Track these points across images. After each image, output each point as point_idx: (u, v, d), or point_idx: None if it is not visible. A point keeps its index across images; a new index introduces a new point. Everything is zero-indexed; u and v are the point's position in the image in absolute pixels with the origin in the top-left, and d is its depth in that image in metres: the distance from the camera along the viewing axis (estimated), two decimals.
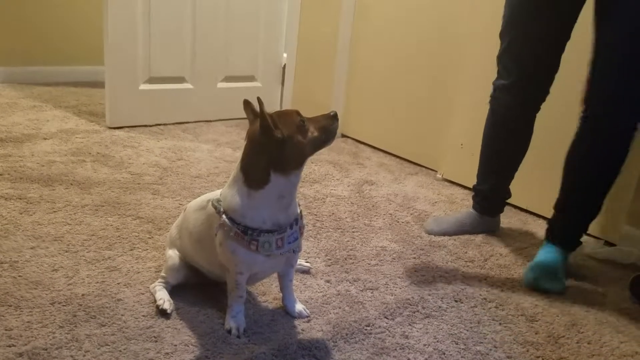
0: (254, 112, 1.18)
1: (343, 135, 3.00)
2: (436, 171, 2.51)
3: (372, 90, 2.83)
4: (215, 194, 1.24)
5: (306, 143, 1.14)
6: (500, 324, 1.38)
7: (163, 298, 1.29)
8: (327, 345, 1.22)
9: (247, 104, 1.19)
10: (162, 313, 1.26)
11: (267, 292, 1.40)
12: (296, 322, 1.28)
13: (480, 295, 1.50)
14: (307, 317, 1.32)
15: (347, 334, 1.26)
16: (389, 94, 2.73)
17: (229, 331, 1.23)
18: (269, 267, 1.26)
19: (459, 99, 2.38)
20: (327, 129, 1.17)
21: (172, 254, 1.36)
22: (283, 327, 1.26)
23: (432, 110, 2.51)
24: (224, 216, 1.16)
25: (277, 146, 1.11)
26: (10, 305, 1.23)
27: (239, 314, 1.25)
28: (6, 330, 1.15)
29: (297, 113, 1.16)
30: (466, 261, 1.69)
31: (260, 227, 1.15)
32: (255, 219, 1.15)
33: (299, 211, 1.22)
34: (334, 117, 1.19)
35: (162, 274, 1.37)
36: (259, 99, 1.12)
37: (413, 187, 2.31)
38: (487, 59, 2.24)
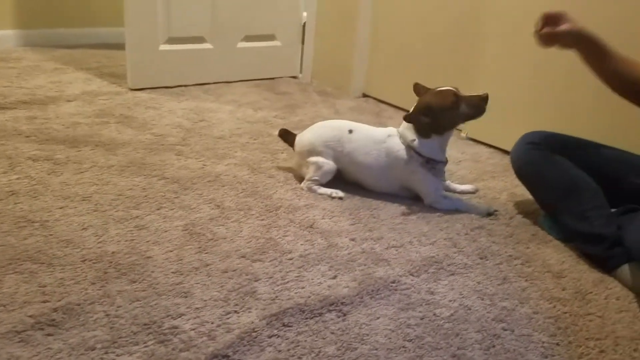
0: (420, 91, 1.70)
1: (364, 95, 2.96)
2: (460, 130, 2.47)
3: (395, 49, 2.77)
4: (386, 129, 1.76)
5: (457, 116, 1.63)
6: (526, 280, 1.37)
7: (332, 191, 1.73)
8: (354, 301, 1.23)
9: (416, 85, 1.71)
10: (340, 199, 1.71)
11: (293, 250, 1.41)
12: (322, 278, 1.30)
13: (506, 252, 1.50)
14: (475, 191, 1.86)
15: (372, 290, 1.27)
16: (412, 53, 2.68)
17: (489, 213, 1.70)
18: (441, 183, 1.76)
19: (485, 57, 2.32)
20: (477, 107, 1.62)
21: (325, 160, 1.74)
22: (309, 283, 1.28)
23: (456, 68, 2.46)
24: (413, 150, 1.68)
25: (431, 120, 1.64)
26: (43, 263, 1.26)
27: (471, 207, 1.73)
28: (40, 286, 1.18)
29: (454, 93, 1.61)
30: (491, 219, 1.68)
31: (435, 160, 1.68)
32: (431, 154, 1.68)
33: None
34: (484, 99, 1.60)
35: (314, 177, 1.74)
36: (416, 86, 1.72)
37: None
38: (516, 14, 2.17)
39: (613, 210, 1.51)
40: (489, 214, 1.70)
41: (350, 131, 1.76)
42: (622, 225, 1.43)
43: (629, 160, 1.55)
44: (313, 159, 1.75)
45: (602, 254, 1.44)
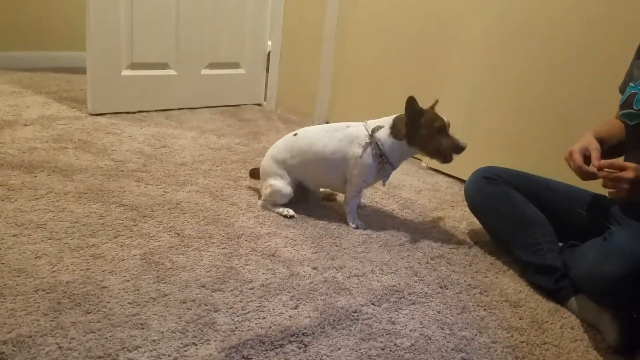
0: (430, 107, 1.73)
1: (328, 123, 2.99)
2: (421, 160, 2.52)
3: (359, 78, 2.83)
4: (346, 123, 1.78)
5: (431, 140, 1.67)
6: (485, 309, 1.39)
7: (284, 209, 1.78)
8: (315, 331, 1.22)
9: (436, 102, 1.76)
10: (291, 217, 1.76)
11: (254, 279, 1.40)
12: (283, 308, 1.29)
13: (465, 281, 1.52)
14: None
15: (334, 320, 1.27)
16: (375, 82, 2.73)
17: (356, 227, 1.76)
18: (372, 181, 1.81)
19: (447, 88, 2.38)
20: (448, 149, 1.66)
21: (281, 182, 1.78)
22: (270, 313, 1.26)
23: (418, 98, 2.51)
24: (374, 139, 1.71)
25: (413, 128, 1.67)
26: None
27: (356, 217, 1.79)
28: None
29: (443, 124, 1.65)
30: (451, 248, 1.71)
31: (388, 159, 1.72)
32: (388, 153, 1.71)
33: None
34: (460, 149, 1.65)
35: (268, 199, 1.80)
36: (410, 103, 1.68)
37: (398, 176, 2.31)
38: (477, 46, 2.25)
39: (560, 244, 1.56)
40: (356, 227, 1.77)
41: (295, 134, 1.84)
42: (565, 260, 1.48)
43: (576, 194, 1.61)
44: (270, 180, 1.80)
45: (553, 286, 1.48)
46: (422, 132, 1.67)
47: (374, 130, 1.72)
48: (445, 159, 1.69)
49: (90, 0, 2.44)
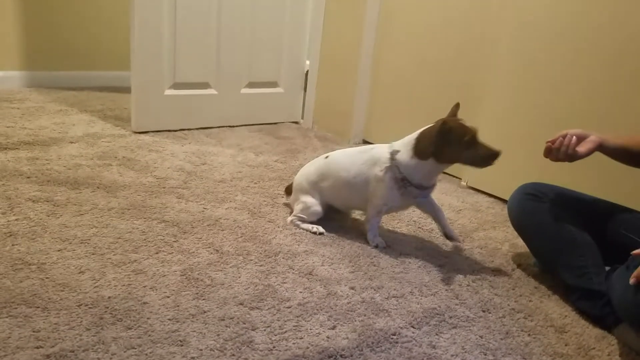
0: (452, 112, 1.63)
1: (365, 141, 2.99)
2: (460, 179, 2.48)
3: (395, 97, 2.82)
4: (372, 146, 1.76)
5: (461, 154, 1.57)
6: (529, 334, 1.35)
7: (313, 226, 1.78)
8: (353, 353, 1.20)
9: (457, 105, 1.64)
10: (320, 234, 1.76)
11: (291, 297, 1.39)
12: (321, 328, 1.27)
13: (509, 305, 1.47)
14: (460, 242, 1.82)
15: (373, 342, 1.25)
16: (412, 101, 2.72)
17: (376, 246, 1.73)
18: (399, 206, 1.77)
19: (485, 107, 2.35)
20: (483, 159, 1.56)
21: (313, 200, 1.80)
22: (307, 333, 1.25)
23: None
24: (394, 163, 1.65)
25: (442, 143, 1.56)
26: (38, 307, 1.24)
27: (377, 235, 1.75)
28: (34, 331, 1.15)
29: (473, 136, 1.54)
30: (493, 270, 1.66)
31: (411, 182, 1.65)
32: (411, 175, 1.64)
33: (436, 181, 1.72)
34: (494, 156, 1.54)
35: (299, 215, 1.80)
36: (457, 105, 1.64)
37: (437, 195, 2.27)
38: (514, 66, 2.22)
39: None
40: (376, 246, 1.74)
41: (327, 157, 1.84)
42: (608, 286, 1.42)
43: (622, 214, 1.55)
44: (303, 197, 1.82)
45: (599, 312, 1.42)
46: (451, 148, 1.57)
47: (392, 154, 1.66)
48: (482, 166, 1.60)
49: (135, 22, 2.52)
